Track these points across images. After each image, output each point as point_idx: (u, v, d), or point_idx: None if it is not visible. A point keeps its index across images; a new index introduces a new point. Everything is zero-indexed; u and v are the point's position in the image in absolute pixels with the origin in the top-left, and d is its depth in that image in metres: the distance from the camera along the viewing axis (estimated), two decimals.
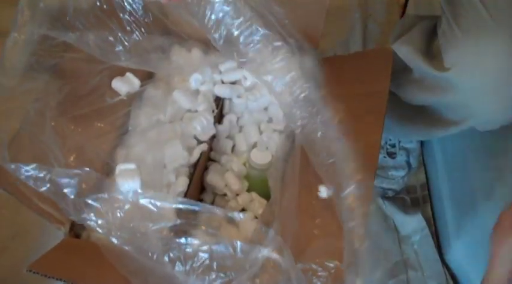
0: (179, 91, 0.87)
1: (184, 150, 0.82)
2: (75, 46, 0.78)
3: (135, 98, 0.88)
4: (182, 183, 0.81)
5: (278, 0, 0.74)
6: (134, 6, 0.82)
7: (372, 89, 0.81)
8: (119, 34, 0.78)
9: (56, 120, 0.80)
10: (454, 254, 1.06)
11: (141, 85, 0.87)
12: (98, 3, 0.81)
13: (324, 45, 1.16)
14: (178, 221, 0.64)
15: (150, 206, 0.65)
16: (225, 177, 0.87)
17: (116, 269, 0.63)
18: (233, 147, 0.92)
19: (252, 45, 0.74)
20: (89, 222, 0.65)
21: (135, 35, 0.80)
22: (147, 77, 0.90)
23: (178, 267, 0.60)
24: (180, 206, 0.65)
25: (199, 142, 0.87)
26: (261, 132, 0.92)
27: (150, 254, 0.61)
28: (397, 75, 0.90)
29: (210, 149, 0.91)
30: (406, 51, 0.89)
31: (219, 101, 0.92)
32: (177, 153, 0.82)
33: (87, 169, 0.66)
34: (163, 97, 0.88)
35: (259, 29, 0.73)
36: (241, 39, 0.74)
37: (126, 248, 0.62)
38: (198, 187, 0.89)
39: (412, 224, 1.13)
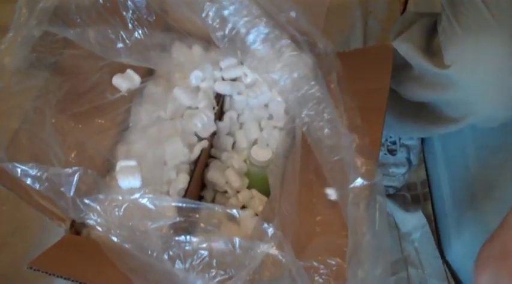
0: (180, 88, 0.87)
1: (185, 147, 0.82)
2: (76, 42, 0.77)
3: (135, 95, 0.88)
4: (183, 179, 0.81)
5: None
6: (137, 4, 0.82)
7: (373, 86, 0.81)
8: (120, 31, 0.78)
9: (56, 117, 0.80)
10: (455, 251, 1.06)
11: (142, 82, 0.87)
12: (101, 1, 0.81)
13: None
14: (178, 219, 0.64)
15: (149, 204, 0.65)
16: (226, 174, 0.87)
17: (116, 267, 0.63)
18: (234, 143, 0.92)
19: (258, 43, 0.74)
20: (88, 221, 0.65)
21: (136, 33, 0.80)
22: (147, 74, 0.90)
23: (178, 265, 0.60)
24: (179, 204, 0.65)
25: (200, 139, 0.87)
26: (261, 129, 0.91)
27: (149, 252, 0.61)
28: (397, 72, 0.90)
29: (211, 146, 0.91)
30: (406, 48, 0.89)
31: (219, 98, 0.92)
32: (177, 150, 0.81)
33: (85, 167, 0.66)
34: (163, 94, 0.88)
35: (266, 26, 0.73)
36: (248, 37, 0.74)
37: (126, 246, 0.62)
38: (199, 184, 0.89)
39: (412, 221, 1.13)
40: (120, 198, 0.65)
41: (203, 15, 0.74)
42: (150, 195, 0.65)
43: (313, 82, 0.74)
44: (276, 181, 0.75)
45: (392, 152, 1.19)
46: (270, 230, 0.62)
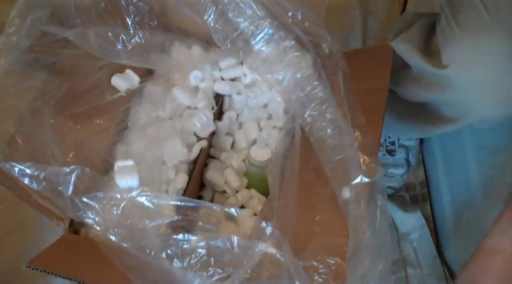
0: (179, 88, 0.87)
1: (184, 147, 0.82)
2: (75, 43, 0.78)
3: (134, 95, 0.88)
4: (182, 179, 0.81)
5: None
6: (140, 9, 0.83)
7: (372, 86, 0.81)
8: (121, 34, 0.78)
9: (55, 117, 0.80)
10: (453, 251, 1.06)
11: (141, 82, 0.87)
12: (103, 4, 0.81)
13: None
14: (176, 217, 0.64)
15: (147, 203, 0.65)
16: (225, 174, 0.87)
17: (115, 266, 0.63)
18: (233, 143, 0.92)
19: (262, 44, 0.74)
20: (86, 220, 0.65)
21: (137, 37, 0.80)
22: (146, 74, 0.90)
23: (176, 263, 0.60)
24: (177, 203, 0.65)
25: (199, 138, 0.87)
26: (260, 129, 0.92)
27: (147, 251, 0.61)
28: (396, 73, 0.90)
29: (210, 146, 0.91)
30: (405, 49, 0.89)
31: (218, 98, 0.92)
32: (176, 150, 0.81)
33: (82, 166, 0.66)
34: (163, 94, 0.88)
35: (271, 27, 0.73)
36: (252, 38, 0.74)
37: (124, 245, 0.62)
38: (198, 184, 0.89)
39: (411, 221, 1.14)
40: (119, 196, 0.65)
41: (205, 17, 0.74)
42: (148, 193, 0.65)
43: (316, 83, 0.74)
44: (275, 181, 0.75)
45: (391, 153, 1.19)
46: (268, 229, 0.62)
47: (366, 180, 0.68)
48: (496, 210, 0.92)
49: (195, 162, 0.85)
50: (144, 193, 0.65)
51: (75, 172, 0.65)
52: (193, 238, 0.61)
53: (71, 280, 0.66)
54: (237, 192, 0.87)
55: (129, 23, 0.82)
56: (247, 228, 0.72)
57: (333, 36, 0.77)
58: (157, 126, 0.84)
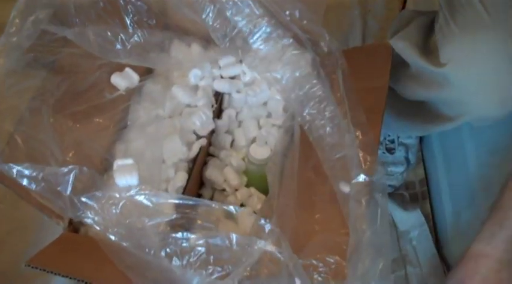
0: (178, 86, 0.87)
1: (184, 145, 0.82)
2: (74, 42, 0.78)
3: (134, 93, 0.88)
4: (181, 178, 0.81)
5: None
6: (138, 8, 0.83)
7: (371, 84, 0.81)
8: (120, 33, 0.78)
9: (54, 116, 0.80)
10: (453, 250, 1.06)
11: (141, 81, 0.87)
12: (102, 4, 0.81)
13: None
14: (174, 216, 0.64)
15: (146, 202, 0.65)
16: (224, 172, 0.87)
17: (114, 264, 0.63)
18: (232, 142, 0.92)
19: (261, 42, 0.74)
20: (85, 219, 0.65)
21: (136, 36, 0.80)
22: (146, 72, 0.90)
23: (175, 262, 0.60)
24: (176, 201, 0.65)
25: (199, 137, 0.87)
26: (260, 127, 0.92)
27: (147, 249, 0.61)
28: (395, 71, 0.90)
29: (209, 144, 0.91)
30: (403, 46, 0.89)
31: (218, 96, 0.92)
32: (176, 148, 0.81)
33: (80, 166, 0.66)
34: (162, 92, 0.88)
35: (269, 25, 0.73)
36: (250, 36, 0.74)
37: (124, 244, 0.62)
38: (197, 182, 0.89)
39: (410, 220, 1.13)
40: (117, 195, 0.65)
41: (203, 16, 0.74)
42: (147, 192, 0.65)
43: (315, 81, 0.74)
44: (274, 179, 0.75)
45: (390, 151, 1.19)
46: (267, 227, 0.62)
47: (366, 178, 0.68)
48: None
49: (194, 160, 0.85)
50: (142, 192, 0.65)
51: (73, 172, 0.65)
52: (193, 236, 0.61)
53: (71, 278, 0.66)
54: (236, 190, 0.87)
55: (128, 22, 0.82)
56: (247, 226, 0.72)
57: (332, 35, 0.77)
58: (156, 124, 0.84)
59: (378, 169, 0.69)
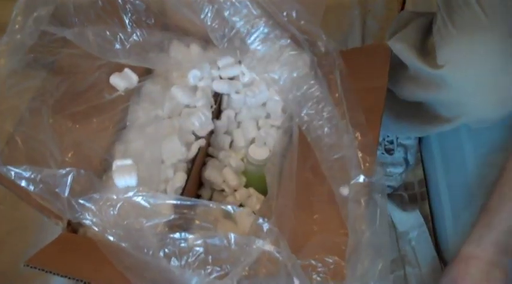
0: (177, 86, 0.87)
1: (182, 146, 0.82)
2: (74, 42, 0.78)
3: (133, 94, 0.88)
4: (180, 178, 0.81)
5: None
6: (137, 7, 0.83)
7: (370, 85, 0.81)
8: (119, 33, 0.79)
9: (54, 117, 0.80)
10: (452, 250, 1.06)
11: (140, 81, 0.87)
12: (100, 3, 0.81)
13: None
14: (172, 216, 0.64)
15: (144, 203, 0.65)
16: (223, 173, 0.87)
17: (113, 264, 0.63)
18: (231, 142, 0.92)
19: (258, 43, 0.74)
20: (84, 221, 0.65)
21: (135, 36, 0.80)
22: (145, 73, 0.90)
23: (174, 262, 0.60)
24: (174, 202, 0.65)
25: (197, 137, 0.87)
26: (259, 128, 0.92)
27: (145, 250, 0.61)
28: (394, 72, 0.90)
29: (208, 145, 0.91)
30: (401, 48, 0.89)
31: (217, 97, 0.92)
32: (175, 149, 0.82)
33: (78, 168, 0.66)
34: (161, 92, 0.88)
35: (266, 26, 0.73)
36: (248, 37, 0.74)
37: (122, 244, 0.63)
38: (196, 182, 0.89)
39: (409, 220, 1.13)
40: (115, 197, 0.65)
41: (202, 16, 0.74)
42: (144, 193, 0.65)
43: (312, 82, 0.74)
44: (273, 180, 0.75)
45: (389, 151, 1.19)
46: (266, 226, 0.62)
47: (366, 179, 0.68)
48: None
49: (193, 160, 0.85)
50: (140, 194, 0.65)
51: (71, 174, 0.65)
52: (191, 236, 0.61)
53: (69, 278, 0.66)
54: (235, 190, 0.87)
55: (127, 21, 0.82)
56: (246, 226, 0.72)
57: (332, 35, 0.77)
58: (155, 125, 0.84)
59: (377, 169, 0.69)
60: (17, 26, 0.73)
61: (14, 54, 0.73)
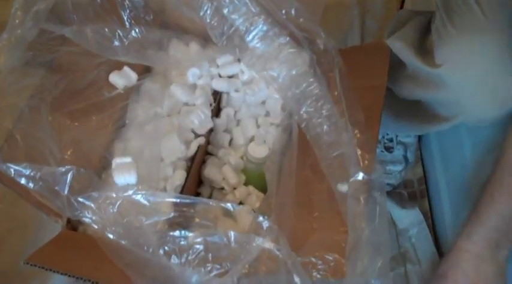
0: (177, 84, 0.87)
1: (182, 144, 0.82)
2: (73, 40, 0.78)
3: (132, 92, 0.88)
4: (179, 176, 0.81)
5: None
6: (135, 3, 0.83)
7: (370, 83, 0.81)
8: (118, 30, 0.78)
9: (53, 115, 0.80)
10: (451, 247, 1.06)
11: (139, 79, 0.87)
12: (99, 0, 0.81)
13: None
14: (172, 214, 0.64)
15: (143, 201, 0.65)
16: (223, 171, 0.87)
17: (113, 262, 0.63)
18: (230, 140, 0.92)
19: (257, 40, 0.74)
20: (83, 219, 0.65)
21: (133, 32, 0.80)
22: (144, 71, 0.90)
23: (174, 260, 0.60)
24: (173, 200, 0.65)
25: (197, 135, 0.87)
26: (258, 126, 0.92)
27: (145, 248, 0.61)
28: (393, 71, 0.90)
29: (208, 143, 0.91)
30: (399, 47, 0.89)
31: (216, 95, 0.92)
32: (174, 147, 0.81)
33: (77, 167, 0.66)
34: (160, 91, 0.88)
35: (265, 24, 0.73)
36: (246, 35, 0.74)
37: (122, 242, 0.63)
38: (196, 180, 0.89)
39: (409, 218, 1.13)
40: (114, 195, 0.65)
41: (201, 13, 0.74)
42: (143, 191, 0.65)
43: (311, 79, 0.74)
44: (272, 178, 0.75)
45: (389, 149, 1.19)
46: (265, 224, 0.62)
47: (365, 176, 0.68)
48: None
49: (192, 158, 0.85)
50: (139, 192, 0.65)
51: (70, 172, 0.65)
52: (190, 234, 0.61)
53: (69, 276, 0.66)
54: (235, 188, 0.87)
55: (125, 18, 0.82)
56: (245, 224, 0.72)
57: (331, 35, 0.77)
58: (155, 123, 0.84)
59: (376, 167, 0.69)
60: (17, 21, 0.72)
61: (15, 49, 0.73)
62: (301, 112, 0.73)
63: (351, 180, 0.68)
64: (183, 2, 0.77)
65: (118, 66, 0.86)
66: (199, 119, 0.85)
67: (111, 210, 0.65)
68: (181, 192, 0.80)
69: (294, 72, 0.75)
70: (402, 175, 1.20)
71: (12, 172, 0.65)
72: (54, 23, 0.77)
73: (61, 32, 0.77)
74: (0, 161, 0.66)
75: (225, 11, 0.73)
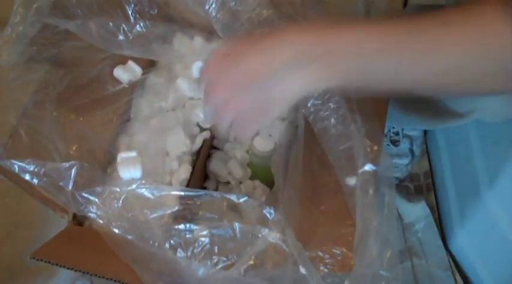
0: (183, 78, 0.87)
1: (187, 138, 0.82)
2: (77, 35, 0.77)
3: (137, 86, 0.88)
4: (185, 170, 0.81)
5: None
6: None
7: None
8: (122, 24, 0.78)
9: (58, 110, 0.80)
10: (458, 241, 1.06)
11: (143, 74, 0.87)
12: None
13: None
14: (176, 208, 0.64)
15: (148, 194, 0.65)
16: (228, 165, 0.87)
17: (119, 256, 0.63)
18: None
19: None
20: (88, 214, 0.65)
21: (138, 26, 0.80)
22: (149, 65, 0.90)
23: (180, 253, 0.60)
24: (178, 193, 0.65)
25: (202, 129, 0.86)
26: None
27: (151, 242, 0.61)
28: None
29: (213, 137, 0.91)
30: None
31: None
32: (179, 141, 0.81)
33: (81, 161, 0.66)
34: (165, 85, 0.88)
35: (272, 17, 0.73)
36: (253, 28, 0.74)
37: (128, 237, 0.62)
38: (201, 175, 0.88)
39: (415, 212, 1.13)
40: (119, 189, 0.65)
41: (207, 6, 0.74)
42: (147, 185, 0.65)
43: None
44: (278, 172, 0.74)
45: (395, 143, 1.19)
46: (271, 214, 0.61)
47: (373, 168, 0.67)
48: (500, 200, 0.91)
49: (198, 153, 0.85)
50: (143, 186, 0.65)
51: (74, 167, 0.65)
52: (196, 227, 0.61)
53: (75, 270, 0.66)
54: (240, 183, 0.87)
55: (130, 12, 0.82)
56: (251, 218, 0.72)
57: None
58: (160, 117, 0.84)
59: (385, 159, 0.69)
60: (18, 17, 0.72)
61: (17, 46, 0.73)
62: (309, 105, 0.73)
63: (359, 171, 0.67)
64: None
65: (122, 60, 0.85)
66: (205, 113, 0.84)
67: (116, 205, 0.64)
68: (187, 186, 0.80)
69: None
70: (408, 168, 1.20)
71: (17, 168, 0.65)
72: (58, 18, 0.77)
73: (65, 26, 0.77)
74: (4, 157, 0.66)
75: (231, 3, 0.73)
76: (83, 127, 0.82)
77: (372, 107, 0.73)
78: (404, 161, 1.18)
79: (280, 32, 0.57)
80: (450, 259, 1.08)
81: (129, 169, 0.74)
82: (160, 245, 0.61)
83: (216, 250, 0.60)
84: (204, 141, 0.85)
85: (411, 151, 1.19)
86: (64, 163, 0.65)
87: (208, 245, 0.60)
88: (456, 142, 1.11)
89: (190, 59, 0.88)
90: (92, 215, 0.65)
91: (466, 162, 1.06)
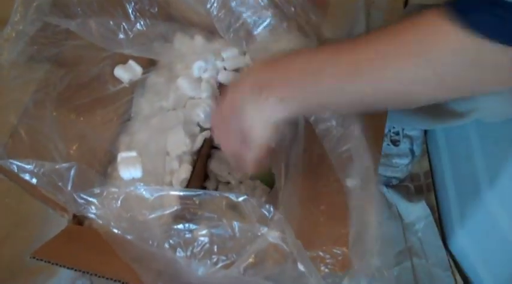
0: (183, 78, 0.87)
1: (187, 137, 0.82)
2: (77, 34, 0.77)
3: (137, 86, 0.87)
4: (185, 170, 0.80)
5: None
6: None
7: None
8: (122, 22, 0.78)
9: (58, 109, 0.80)
10: (458, 241, 1.06)
11: (144, 73, 0.87)
12: None
13: (327, 34, 1.16)
14: (175, 208, 0.64)
15: (147, 194, 0.65)
16: (229, 165, 0.87)
17: (119, 256, 0.63)
18: None
19: (265, 34, 0.74)
20: (88, 214, 0.65)
21: (138, 25, 0.80)
22: (149, 65, 0.90)
23: (179, 253, 0.60)
24: (176, 193, 0.65)
25: (203, 129, 0.86)
26: None
27: (150, 242, 0.61)
28: None
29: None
30: None
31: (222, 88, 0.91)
32: (179, 140, 0.81)
33: (80, 163, 0.66)
34: (166, 84, 0.88)
35: (273, 17, 0.73)
36: (254, 28, 0.74)
37: (128, 237, 0.62)
38: (201, 174, 0.88)
39: (416, 212, 1.13)
40: (118, 189, 0.65)
41: (208, 5, 0.74)
42: (147, 185, 0.65)
43: None
44: (279, 172, 0.74)
45: (395, 143, 1.19)
46: (271, 213, 0.61)
47: (372, 169, 0.67)
48: (501, 199, 0.91)
49: (198, 152, 0.85)
50: (142, 186, 0.65)
51: (73, 168, 0.65)
52: (195, 226, 0.61)
53: (76, 270, 0.66)
54: (240, 183, 0.87)
55: (130, 10, 0.81)
56: (251, 218, 0.72)
57: (338, 27, 0.76)
58: (160, 116, 0.84)
59: (381, 161, 0.69)
60: (18, 16, 0.72)
61: (17, 45, 0.73)
62: None
63: (358, 172, 0.67)
64: None
65: (123, 60, 0.85)
66: (205, 113, 0.84)
67: (115, 205, 0.64)
68: (187, 186, 0.80)
69: None
70: (409, 168, 1.20)
71: (16, 168, 0.65)
72: (58, 17, 0.77)
73: (65, 25, 0.77)
74: (4, 157, 0.66)
75: (233, 3, 0.73)
76: (83, 127, 0.82)
77: None
78: (405, 161, 1.18)
79: (248, 70, 0.67)
80: (450, 259, 1.08)
81: (129, 169, 0.74)
82: (159, 245, 0.61)
83: (216, 249, 0.60)
84: (204, 140, 0.85)
85: (411, 151, 1.19)
86: (63, 164, 0.65)
87: (207, 245, 0.60)
88: (456, 142, 1.11)
89: (191, 58, 0.88)
90: (91, 215, 0.65)
91: (466, 161, 1.06)
